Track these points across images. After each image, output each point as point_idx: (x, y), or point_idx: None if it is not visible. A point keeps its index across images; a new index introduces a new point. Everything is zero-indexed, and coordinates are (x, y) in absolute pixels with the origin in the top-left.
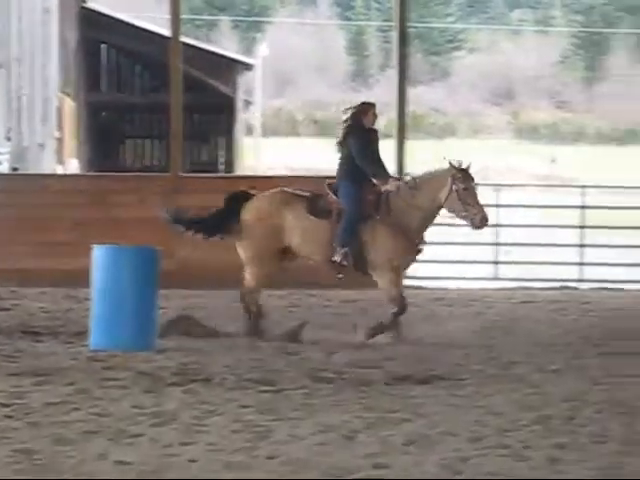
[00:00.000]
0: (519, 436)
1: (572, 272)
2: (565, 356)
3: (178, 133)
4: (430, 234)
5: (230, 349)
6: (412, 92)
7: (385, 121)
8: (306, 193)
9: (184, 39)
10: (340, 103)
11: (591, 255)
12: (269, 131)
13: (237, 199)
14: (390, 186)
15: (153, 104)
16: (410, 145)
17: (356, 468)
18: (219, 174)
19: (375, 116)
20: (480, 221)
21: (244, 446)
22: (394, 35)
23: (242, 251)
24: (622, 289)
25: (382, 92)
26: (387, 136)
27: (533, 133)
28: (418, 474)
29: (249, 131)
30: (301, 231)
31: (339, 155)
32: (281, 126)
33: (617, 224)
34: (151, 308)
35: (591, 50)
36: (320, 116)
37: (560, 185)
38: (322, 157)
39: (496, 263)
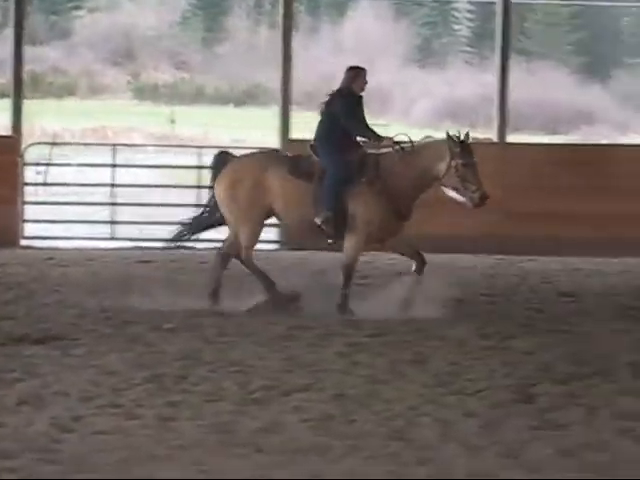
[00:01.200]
0: (131, 395)
1: None
2: (180, 315)
3: None
4: (46, 193)
5: None
6: (31, 51)
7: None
8: (288, 154)
9: None
10: None
11: None
12: None
13: (219, 161)
14: (385, 147)
15: None
16: (28, 104)
17: None
18: None
19: (365, 82)
20: (480, 199)
21: None
22: None
23: (227, 214)
24: None
25: None
26: (4, 95)
27: (153, 93)
28: (30, 433)
29: None
30: (282, 192)
31: (320, 118)
32: None
33: None
34: None
35: (211, 11)
36: None
37: (178, 145)
38: None
39: (113, 223)
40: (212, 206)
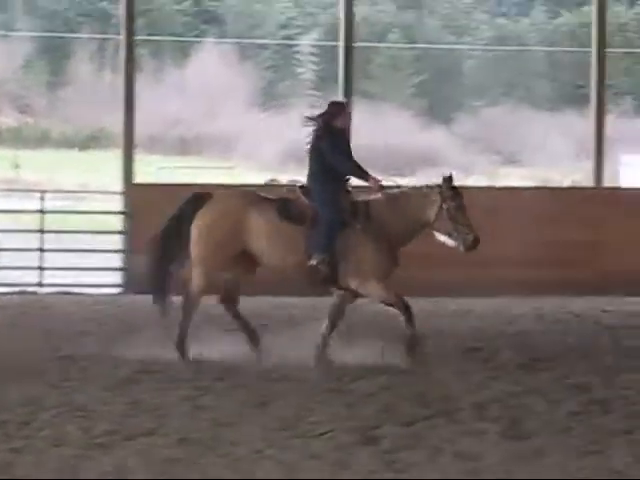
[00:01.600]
0: None
1: (32, 277)
2: (24, 360)
3: None
4: None
5: None
6: None
7: None
8: (273, 196)
9: None
10: None
11: (51, 260)
12: None
13: (195, 201)
14: (373, 189)
15: None
16: None
17: None
18: None
19: (349, 117)
20: (473, 242)
21: None
22: None
23: (194, 250)
24: (82, 293)
25: None
26: None
27: None
28: None
29: None
30: (271, 236)
31: (310, 159)
32: None
33: (76, 228)
34: None
35: (55, 55)
36: None
37: (21, 190)
38: None
39: None
40: (167, 251)
